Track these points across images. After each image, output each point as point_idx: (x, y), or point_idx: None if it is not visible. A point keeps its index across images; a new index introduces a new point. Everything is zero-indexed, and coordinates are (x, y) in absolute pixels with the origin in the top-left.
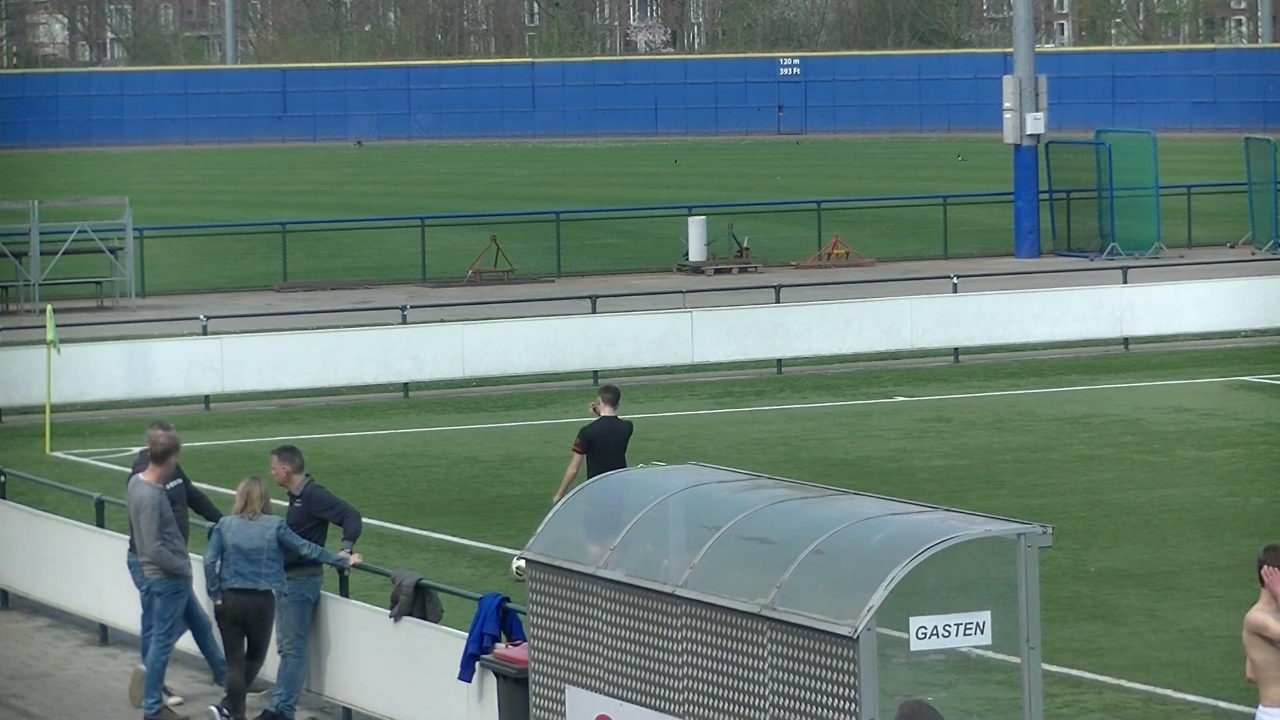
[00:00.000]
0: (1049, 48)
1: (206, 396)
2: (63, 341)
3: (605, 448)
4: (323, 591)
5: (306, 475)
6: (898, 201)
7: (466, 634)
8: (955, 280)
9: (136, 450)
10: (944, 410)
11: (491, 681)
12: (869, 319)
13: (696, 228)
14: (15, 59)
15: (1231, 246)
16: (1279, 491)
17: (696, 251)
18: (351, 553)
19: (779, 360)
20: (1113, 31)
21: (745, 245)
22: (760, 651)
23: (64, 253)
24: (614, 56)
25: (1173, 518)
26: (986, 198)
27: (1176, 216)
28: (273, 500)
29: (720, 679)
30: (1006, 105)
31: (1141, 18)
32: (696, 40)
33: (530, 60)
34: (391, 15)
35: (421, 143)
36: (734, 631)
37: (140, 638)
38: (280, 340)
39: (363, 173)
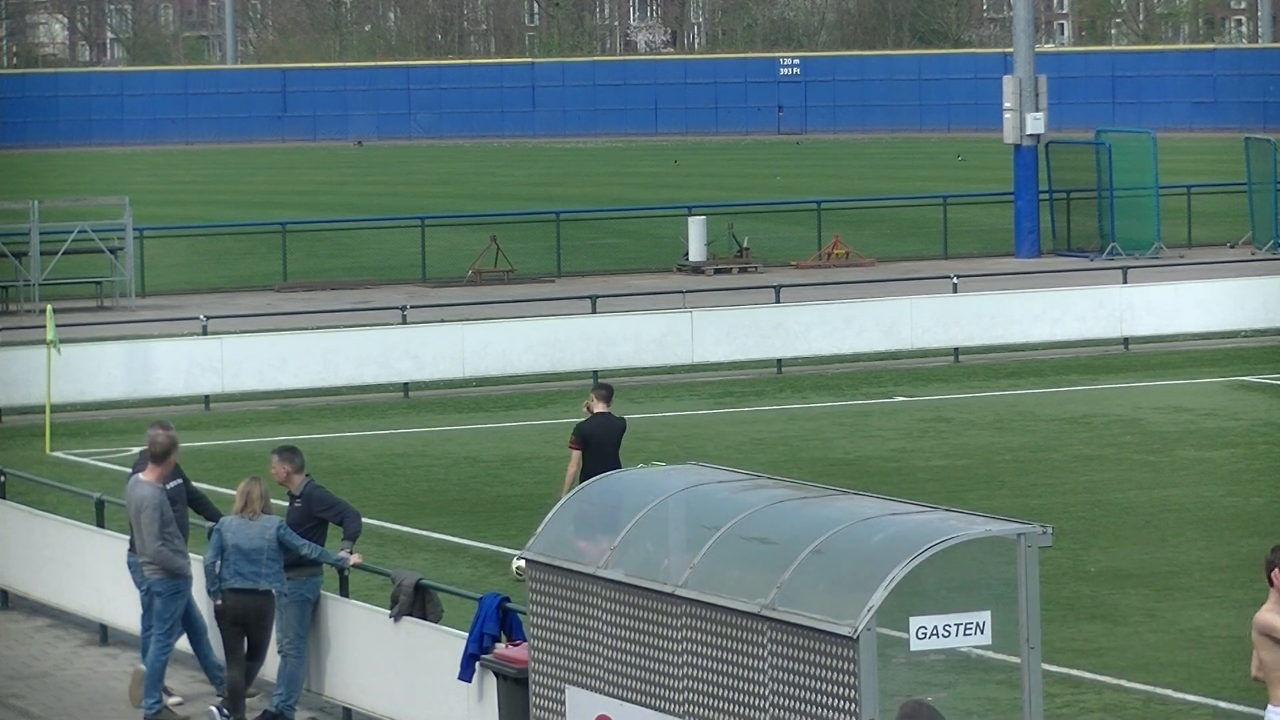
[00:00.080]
0: (1049, 48)
1: (206, 396)
2: (63, 341)
3: (600, 444)
4: (323, 591)
5: (306, 475)
6: (898, 201)
7: (466, 634)
8: (955, 280)
9: (136, 450)
10: (944, 410)
11: (491, 681)
12: (869, 319)
13: (696, 228)
14: (15, 59)
15: (1231, 246)
16: (1279, 491)
17: (696, 251)
18: (351, 553)
19: (779, 360)
20: (1113, 31)
21: (745, 245)
22: (760, 651)
23: (64, 253)
24: (614, 56)
25: (1173, 518)
26: (986, 198)
27: (1176, 216)
28: (273, 500)
29: (720, 679)
30: (1006, 105)
31: (1141, 18)
32: (696, 40)
33: (530, 60)
34: (391, 15)
35: (421, 143)
36: (734, 631)
37: (140, 638)
38: (280, 340)
39: (363, 173)
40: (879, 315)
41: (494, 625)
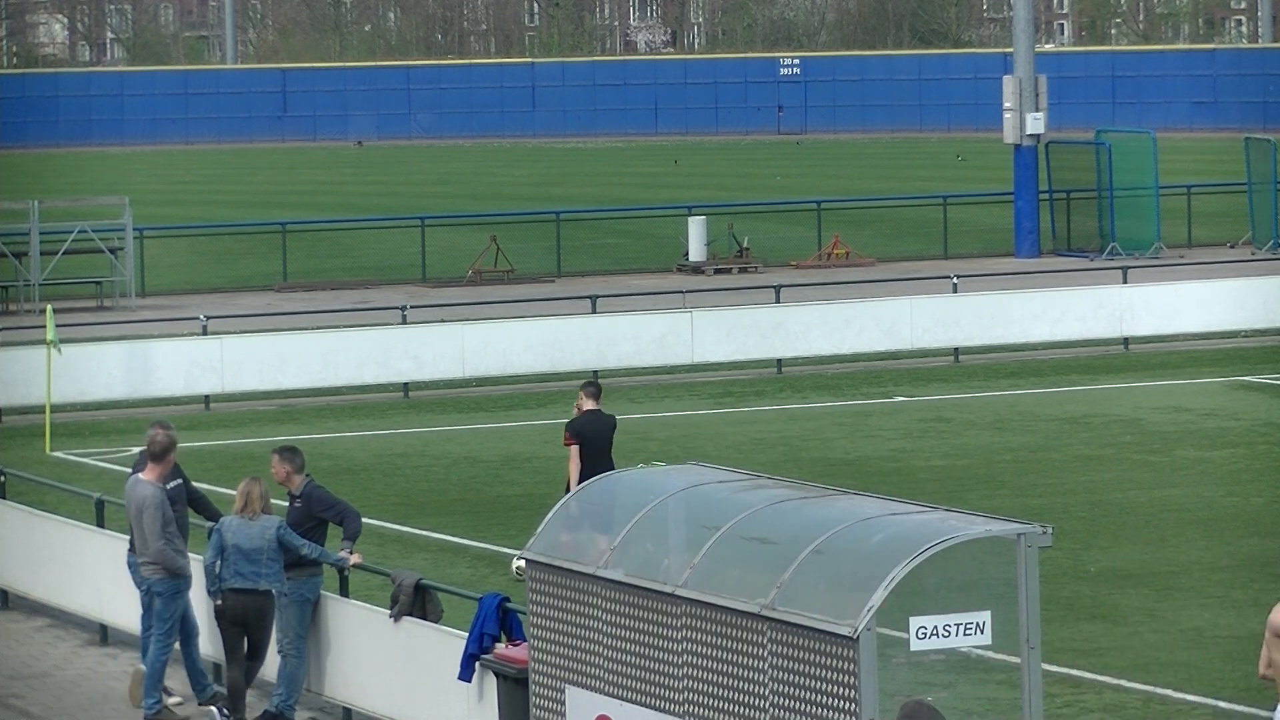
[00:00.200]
0: (1049, 48)
1: (206, 396)
2: (63, 341)
3: (593, 441)
4: (323, 591)
5: (307, 475)
6: (898, 201)
7: (466, 634)
8: (955, 280)
9: (136, 450)
10: (944, 410)
11: (491, 681)
12: (869, 319)
13: (696, 228)
14: (15, 59)
15: (1231, 246)
16: (1279, 491)
17: (696, 251)
18: (351, 553)
19: (779, 360)
20: (1113, 31)
21: (745, 245)
22: (760, 651)
23: (64, 253)
24: (614, 56)
25: (1173, 518)
26: (986, 198)
27: (1176, 216)
28: (273, 500)
29: (720, 679)
30: (1006, 105)
31: (1141, 18)
32: (696, 40)
33: (530, 60)
34: (391, 15)
35: (421, 143)
36: (734, 631)
37: (140, 638)
38: (280, 340)
39: (363, 173)
40: (879, 315)
41: (494, 625)
